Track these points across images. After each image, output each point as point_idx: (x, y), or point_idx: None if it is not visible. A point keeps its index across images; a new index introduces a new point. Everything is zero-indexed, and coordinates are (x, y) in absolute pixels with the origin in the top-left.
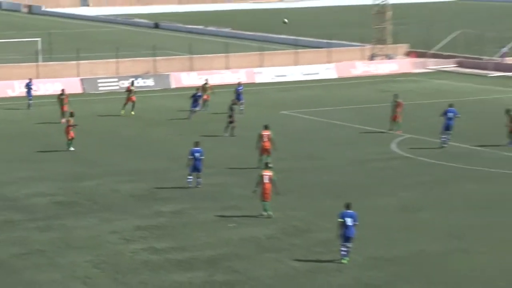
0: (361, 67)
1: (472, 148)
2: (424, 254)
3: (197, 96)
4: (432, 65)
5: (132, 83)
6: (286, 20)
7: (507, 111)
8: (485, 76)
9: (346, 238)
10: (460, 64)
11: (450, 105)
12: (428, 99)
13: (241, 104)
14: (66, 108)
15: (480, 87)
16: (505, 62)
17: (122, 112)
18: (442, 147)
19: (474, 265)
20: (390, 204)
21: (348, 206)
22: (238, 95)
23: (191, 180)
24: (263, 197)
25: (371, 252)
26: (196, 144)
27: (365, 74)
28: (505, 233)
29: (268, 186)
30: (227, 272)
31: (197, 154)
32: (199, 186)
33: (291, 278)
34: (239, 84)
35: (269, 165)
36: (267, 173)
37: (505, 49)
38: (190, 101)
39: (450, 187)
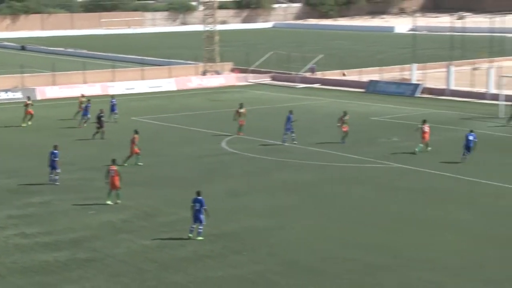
0: (196, 81)
1: (287, 145)
2: (248, 230)
3: (88, 106)
4: (252, 79)
5: (29, 98)
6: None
7: (345, 113)
8: (294, 88)
9: (196, 219)
10: (274, 78)
11: (290, 111)
12: (250, 106)
13: (115, 114)
14: None
15: (290, 96)
16: (314, 76)
17: (23, 124)
18: (284, 143)
19: (289, 237)
20: (220, 190)
21: (198, 193)
22: (112, 106)
23: (51, 177)
24: (112, 186)
25: (207, 230)
26: (55, 147)
27: (199, 87)
28: (313, 211)
29: (114, 178)
30: (88, 251)
31: (53, 156)
32: (56, 183)
33: (141, 254)
34: (112, 97)
35: (139, 163)
36: (113, 168)
37: (314, 65)
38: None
39: (269, 176)
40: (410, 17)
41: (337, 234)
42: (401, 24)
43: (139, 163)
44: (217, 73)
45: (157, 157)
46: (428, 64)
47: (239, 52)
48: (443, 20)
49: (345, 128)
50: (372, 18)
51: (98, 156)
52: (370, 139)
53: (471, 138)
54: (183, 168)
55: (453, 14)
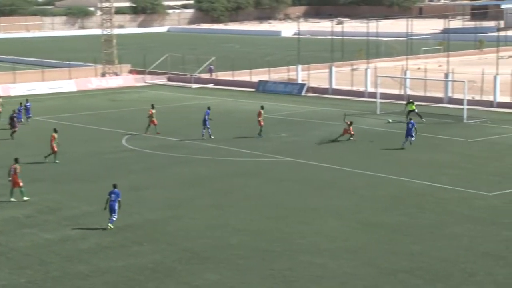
0: (96, 82)
1: (182, 141)
2: (149, 222)
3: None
4: (150, 80)
5: None
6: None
7: (262, 107)
8: (189, 88)
9: (111, 210)
10: (170, 79)
11: (208, 108)
12: (149, 105)
13: (29, 117)
14: None
15: (185, 95)
16: (212, 76)
17: None
18: (202, 138)
19: (186, 227)
20: (122, 185)
21: (114, 186)
22: (27, 110)
23: None
24: (13, 185)
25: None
26: None
27: (99, 88)
28: (209, 202)
29: (15, 176)
30: None
31: None
32: None
33: (45, 247)
34: (27, 101)
35: (57, 161)
36: (14, 166)
37: (212, 67)
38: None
39: (166, 170)
40: (294, 22)
41: (231, 223)
42: (287, 29)
43: (57, 161)
44: (116, 74)
45: (60, 154)
46: (312, 65)
47: (136, 54)
48: (324, 25)
49: (262, 123)
50: (260, 23)
51: (4, 155)
52: (263, 134)
53: (410, 126)
54: (86, 164)
55: (333, 20)
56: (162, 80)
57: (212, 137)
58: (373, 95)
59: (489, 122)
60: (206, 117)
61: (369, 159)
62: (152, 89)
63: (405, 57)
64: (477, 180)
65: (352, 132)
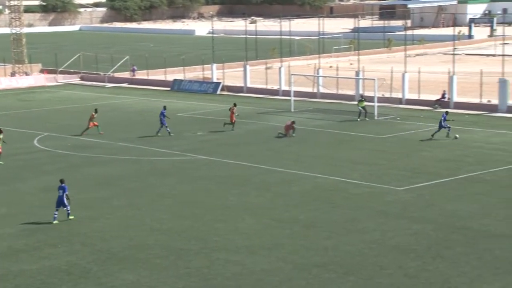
0: (5, 82)
1: (95, 141)
2: (62, 223)
3: None
4: (62, 79)
5: None
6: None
7: (234, 104)
8: (103, 87)
9: (59, 205)
10: (83, 78)
11: (164, 107)
12: (61, 105)
13: None
14: None
15: (99, 95)
16: (135, 76)
17: None
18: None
19: (101, 228)
20: (34, 186)
21: (62, 181)
22: None
23: None
24: None
25: (21, 226)
26: None
27: (9, 87)
28: (125, 202)
29: None
30: None
31: None
32: None
33: None
34: None
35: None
36: None
37: (134, 66)
38: None
39: (80, 170)
40: (208, 21)
41: (147, 222)
42: (201, 28)
43: (0, 162)
44: (26, 74)
45: None
46: (227, 64)
47: (47, 53)
48: (238, 24)
49: (234, 119)
50: (173, 22)
51: None
52: (177, 133)
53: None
54: None
55: (246, 19)
56: (75, 79)
57: (172, 134)
58: (287, 93)
59: (398, 118)
60: (162, 116)
61: (282, 156)
62: (64, 88)
63: (317, 55)
64: (388, 176)
65: (293, 128)
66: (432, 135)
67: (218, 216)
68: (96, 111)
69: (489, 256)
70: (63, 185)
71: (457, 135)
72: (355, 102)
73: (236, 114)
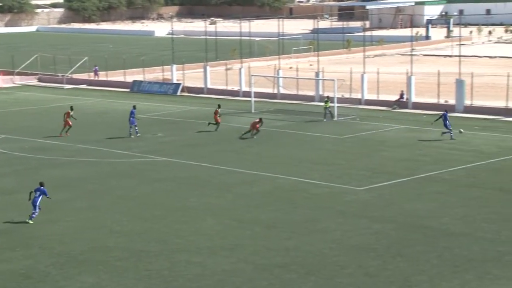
0: None
1: (54, 143)
2: (21, 226)
3: None
4: (19, 81)
5: None
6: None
7: (219, 106)
8: (61, 88)
9: (34, 206)
10: (41, 80)
11: (134, 106)
12: (18, 107)
13: None
14: None
15: (58, 96)
16: (97, 77)
17: None
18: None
19: (61, 230)
20: None
21: (41, 184)
22: None
23: None
24: None
25: None
26: None
27: None
28: (85, 204)
29: None
30: None
31: None
32: None
33: None
34: None
35: None
36: None
37: (96, 67)
38: None
39: (39, 173)
40: (167, 22)
41: (107, 224)
42: (160, 29)
43: None
44: None
45: None
46: (187, 65)
47: (3, 55)
48: (198, 25)
49: (219, 119)
50: (132, 23)
51: None
52: (137, 135)
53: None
54: None
55: (206, 20)
56: (32, 81)
57: (139, 135)
58: (247, 94)
59: (358, 119)
60: (132, 116)
61: (243, 157)
62: (21, 90)
63: (277, 56)
64: (348, 176)
65: (258, 129)
66: (443, 133)
67: (179, 218)
68: (71, 108)
69: (448, 254)
70: (41, 187)
71: (443, 132)
72: (315, 103)
73: (219, 115)
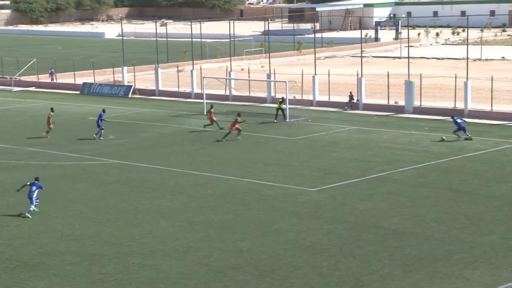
0: None
1: (2, 146)
2: None
3: None
4: None
5: None
6: (444, 138)
7: (212, 106)
8: (9, 91)
9: (30, 200)
10: None
11: (103, 110)
12: None
13: None
14: None
15: (6, 99)
16: (53, 80)
17: None
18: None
19: (11, 235)
20: None
21: (36, 179)
22: None
23: None
24: None
25: None
26: None
27: None
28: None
29: None
30: None
31: None
32: None
33: None
34: None
35: None
36: None
37: (52, 70)
38: None
39: None
40: (117, 24)
41: (58, 228)
42: (110, 30)
43: None
44: None
45: None
46: (138, 67)
47: None
48: (148, 27)
49: (215, 119)
50: (82, 24)
51: None
52: (89, 137)
53: (459, 121)
54: None
55: (157, 21)
56: None
57: (101, 138)
58: (199, 96)
59: (310, 120)
60: (100, 119)
61: (196, 159)
62: None
63: (228, 58)
64: (300, 177)
65: (239, 128)
66: (463, 137)
67: (132, 220)
68: (52, 110)
69: (399, 254)
70: (37, 182)
71: (444, 137)
72: (268, 105)
73: (208, 122)
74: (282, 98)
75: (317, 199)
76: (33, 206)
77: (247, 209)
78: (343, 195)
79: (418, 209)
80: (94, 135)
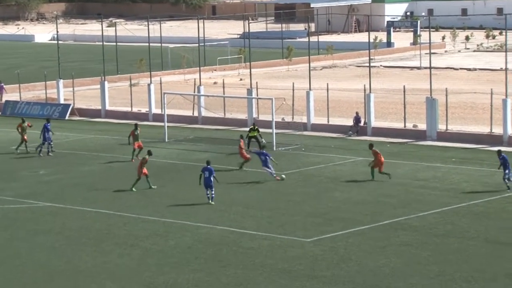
0: None
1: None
2: None
3: None
4: None
5: None
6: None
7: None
8: None
9: (207, 186)
10: None
11: (47, 120)
12: None
13: None
14: None
15: None
16: (4, 94)
17: None
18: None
19: None
20: None
21: (208, 163)
22: None
23: None
24: None
25: None
26: None
27: None
28: None
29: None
30: None
31: None
32: None
33: None
34: None
35: None
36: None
37: (3, 84)
38: None
39: None
40: (51, 24)
41: None
42: (42, 33)
43: None
44: None
45: None
46: (78, 80)
47: None
48: (92, 28)
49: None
50: (4, 24)
51: None
52: (10, 173)
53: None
54: None
55: (103, 21)
56: None
57: (51, 154)
58: (159, 117)
59: (303, 149)
60: (46, 131)
61: (154, 201)
62: None
63: (197, 68)
64: (291, 223)
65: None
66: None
67: (68, 283)
68: (23, 121)
69: None
70: (208, 166)
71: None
72: (248, 128)
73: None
74: (253, 124)
75: (313, 253)
76: (213, 191)
77: (222, 266)
78: (347, 247)
79: (444, 266)
80: (41, 153)
